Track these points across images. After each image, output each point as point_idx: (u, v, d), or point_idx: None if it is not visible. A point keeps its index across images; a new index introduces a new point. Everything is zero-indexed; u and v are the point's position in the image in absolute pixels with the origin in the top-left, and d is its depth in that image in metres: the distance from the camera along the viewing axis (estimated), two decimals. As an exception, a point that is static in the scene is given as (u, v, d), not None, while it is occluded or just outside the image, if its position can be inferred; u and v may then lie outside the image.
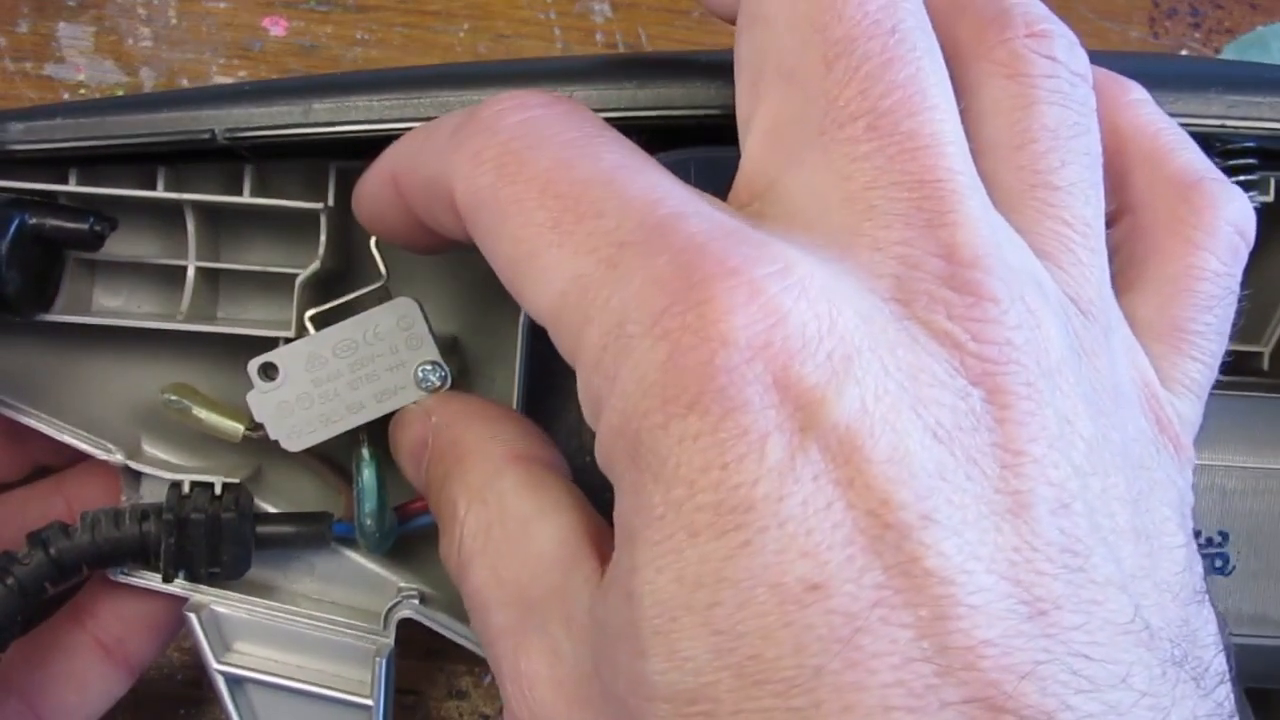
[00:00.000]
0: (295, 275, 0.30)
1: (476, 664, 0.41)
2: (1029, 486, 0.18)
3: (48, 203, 0.29)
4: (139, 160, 0.30)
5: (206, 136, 0.28)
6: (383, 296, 0.30)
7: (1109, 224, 0.24)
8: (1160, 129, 0.25)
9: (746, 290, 0.18)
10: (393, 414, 0.29)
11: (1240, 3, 0.46)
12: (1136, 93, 0.25)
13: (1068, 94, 0.22)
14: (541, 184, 0.21)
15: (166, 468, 0.32)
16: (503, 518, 0.24)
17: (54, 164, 0.29)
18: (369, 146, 0.28)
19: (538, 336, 0.32)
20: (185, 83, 0.42)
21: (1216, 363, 0.24)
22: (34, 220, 0.27)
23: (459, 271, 0.34)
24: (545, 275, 0.20)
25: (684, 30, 0.44)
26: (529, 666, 0.22)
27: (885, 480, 0.18)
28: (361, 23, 0.42)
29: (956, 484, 0.18)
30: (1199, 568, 0.21)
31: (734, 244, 0.19)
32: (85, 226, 0.27)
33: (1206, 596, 0.21)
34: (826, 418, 0.18)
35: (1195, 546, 0.21)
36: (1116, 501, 0.20)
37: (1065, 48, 0.22)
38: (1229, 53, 0.45)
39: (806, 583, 0.17)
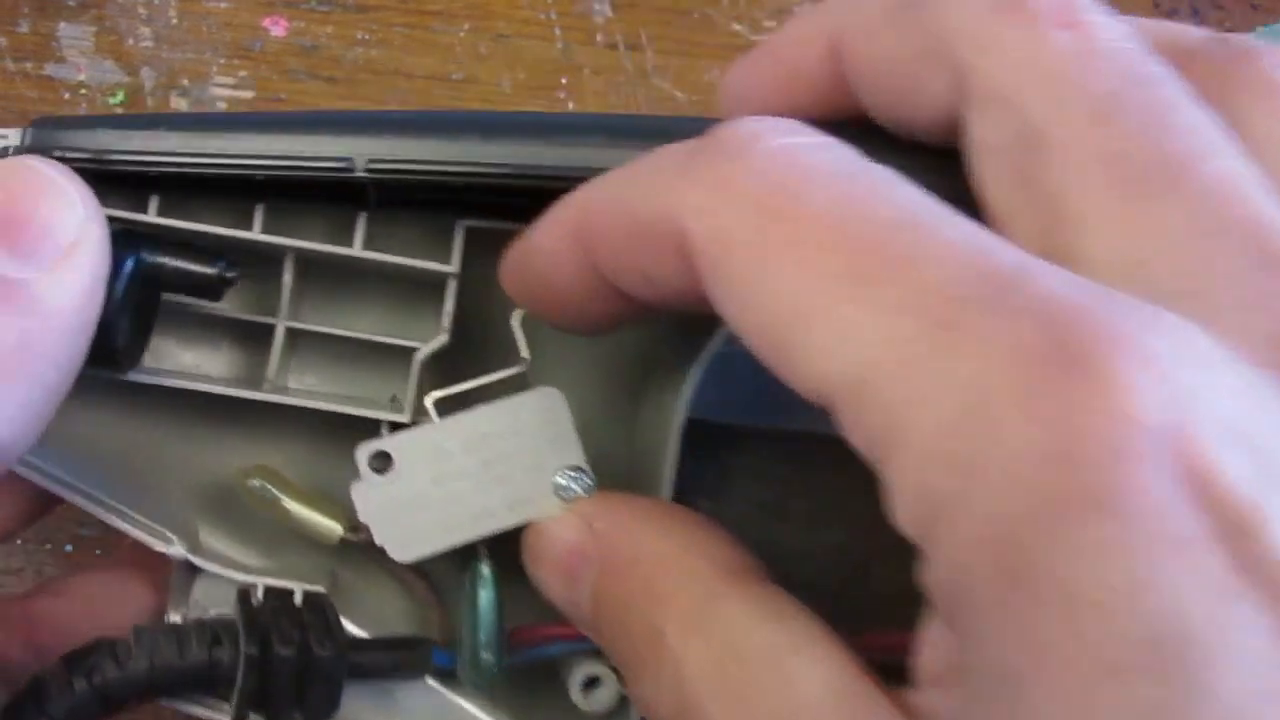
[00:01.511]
0: (414, 349, 0.25)
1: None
2: None
3: (166, 238, 0.22)
4: (235, 193, 0.24)
5: (343, 165, 0.23)
6: (520, 384, 0.25)
7: None
8: None
9: (1140, 361, 0.15)
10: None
11: (1240, 2, 0.45)
12: None
13: None
14: (826, 224, 0.17)
15: (231, 565, 0.25)
16: (740, 654, 0.19)
17: (135, 185, 0.23)
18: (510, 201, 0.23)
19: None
20: (186, 83, 0.41)
21: None
22: (152, 259, 0.21)
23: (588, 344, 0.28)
24: (834, 338, 0.17)
25: (684, 30, 0.43)
26: None
27: None
28: (362, 23, 0.42)
29: None
30: None
31: (1111, 305, 0.16)
32: (214, 271, 0.21)
33: None
34: (1268, 532, 0.14)
35: None
36: None
37: None
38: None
39: None
